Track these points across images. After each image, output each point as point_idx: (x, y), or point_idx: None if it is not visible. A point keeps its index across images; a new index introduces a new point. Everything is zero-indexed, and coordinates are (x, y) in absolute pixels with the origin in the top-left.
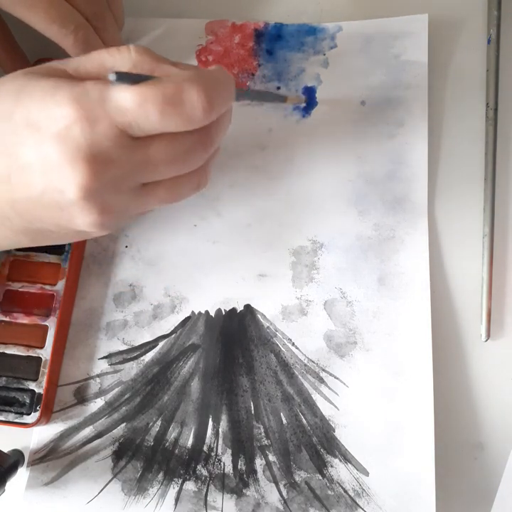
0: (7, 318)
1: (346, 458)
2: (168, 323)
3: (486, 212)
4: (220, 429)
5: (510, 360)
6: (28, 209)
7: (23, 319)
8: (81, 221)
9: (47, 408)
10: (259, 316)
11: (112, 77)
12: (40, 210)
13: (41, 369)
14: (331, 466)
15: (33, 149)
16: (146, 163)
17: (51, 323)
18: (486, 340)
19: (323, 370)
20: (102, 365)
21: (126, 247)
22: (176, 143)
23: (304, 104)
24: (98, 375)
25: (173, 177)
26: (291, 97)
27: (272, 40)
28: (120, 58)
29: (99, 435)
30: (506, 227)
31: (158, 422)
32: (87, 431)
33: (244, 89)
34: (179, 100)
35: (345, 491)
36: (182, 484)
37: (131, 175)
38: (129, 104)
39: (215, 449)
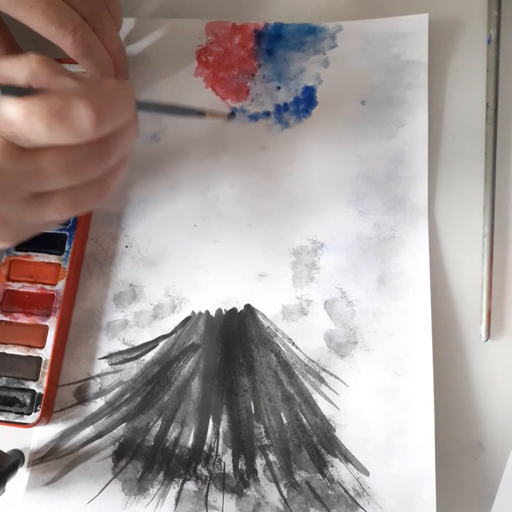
0: (7, 318)
1: (347, 458)
2: (169, 323)
3: (486, 213)
4: (221, 429)
5: (510, 360)
6: None
7: (24, 319)
8: None
9: (47, 408)
10: (259, 316)
11: None
12: None
13: (41, 369)
14: (332, 466)
15: None
16: (36, 173)
17: (51, 323)
18: (486, 340)
19: (324, 369)
20: (103, 365)
21: (127, 247)
22: (68, 154)
23: (227, 119)
24: (98, 375)
25: (69, 187)
26: (212, 111)
27: (272, 40)
28: (18, 68)
29: (99, 435)
30: (506, 227)
31: (159, 422)
32: (88, 431)
33: (149, 102)
34: (65, 114)
35: (346, 491)
36: (182, 484)
37: (20, 185)
38: (15, 116)
39: (215, 449)
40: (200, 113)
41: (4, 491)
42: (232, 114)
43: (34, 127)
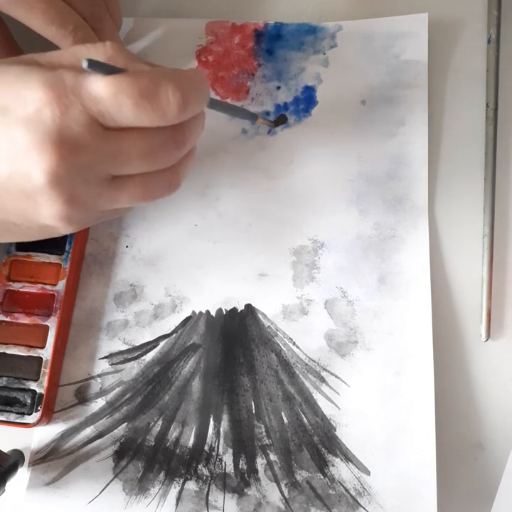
0: (8, 319)
1: (347, 457)
2: (169, 323)
3: (486, 213)
4: (221, 429)
5: (510, 360)
6: None
7: (24, 319)
8: (46, 210)
9: (48, 408)
10: (260, 316)
11: (84, 63)
12: (5, 198)
13: (42, 369)
14: (332, 466)
15: (0, 132)
16: (117, 154)
17: (52, 323)
18: (486, 340)
19: (324, 369)
20: (103, 365)
21: (127, 246)
22: (149, 137)
23: (274, 125)
24: (99, 375)
25: (144, 173)
26: (262, 119)
27: (271, 40)
28: (95, 52)
29: (100, 435)
30: (506, 227)
31: (159, 422)
32: (88, 431)
33: (219, 100)
34: (154, 95)
35: (347, 490)
36: (183, 484)
37: (101, 165)
38: (104, 93)
39: (216, 449)
40: (254, 117)
41: (4, 490)
42: (279, 120)
43: (122, 106)
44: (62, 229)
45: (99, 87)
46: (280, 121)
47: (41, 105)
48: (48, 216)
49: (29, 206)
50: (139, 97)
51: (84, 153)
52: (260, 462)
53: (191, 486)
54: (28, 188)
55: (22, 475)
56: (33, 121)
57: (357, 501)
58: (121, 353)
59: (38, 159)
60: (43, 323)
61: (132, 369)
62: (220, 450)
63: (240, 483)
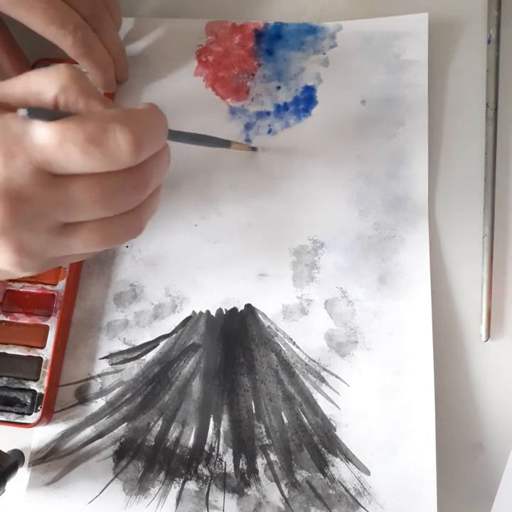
0: (8, 319)
1: (347, 457)
2: (169, 323)
3: (486, 213)
4: (221, 429)
5: (510, 360)
6: None
7: (24, 319)
8: None
9: (48, 408)
10: (260, 316)
11: (22, 112)
12: None
13: (42, 369)
14: (333, 466)
15: None
16: (67, 202)
17: (52, 323)
18: (486, 340)
19: (324, 369)
20: (103, 365)
21: (127, 247)
22: (102, 183)
23: (250, 151)
24: (99, 375)
25: (100, 219)
26: (237, 144)
27: (271, 40)
28: (47, 81)
29: (100, 435)
30: (506, 227)
31: (160, 422)
32: (88, 431)
33: (179, 131)
34: (102, 140)
35: (347, 490)
36: (183, 484)
37: (49, 213)
38: (48, 141)
39: (216, 449)
40: (227, 144)
41: (4, 490)
42: (255, 148)
43: (68, 153)
44: (19, 274)
45: (44, 135)
46: (255, 149)
47: None
48: (1, 263)
49: None
50: (86, 143)
51: (30, 203)
52: (260, 462)
53: (191, 486)
54: None
55: (22, 475)
56: None
57: (357, 501)
58: (121, 353)
59: None
60: (43, 323)
61: (132, 369)
62: (220, 450)
63: (240, 483)
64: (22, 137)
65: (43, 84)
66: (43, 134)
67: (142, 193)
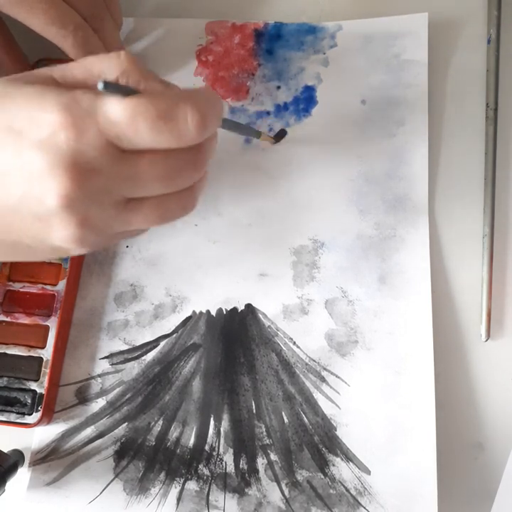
0: (8, 319)
1: (348, 457)
2: (169, 323)
3: (486, 212)
4: (222, 429)
5: (510, 360)
6: (5, 219)
7: (25, 319)
8: (59, 233)
9: (48, 408)
10: (260, 316)
11: (100, 85)
12: (18, 220)
13: (42, 369)
14: (333, 465)
15: (13, 155)
16: (134, 177)
17: (52, 324)
18: (486, 340)
19: (325, 369)
20: (104, 365)
21: (127, 246)
22: (167, 159)
23: (273, 143)
24: (99, 375)
25: (160, 195)
26: (264, 135)
27: (271, 40)
28: (108, 65)
29: (100, 435)
30: (506, 227)
31: (160, 422)
32: (89, 431)
33: (230, 119)
34: (172, 117)
35: (347, 490)
36: (184, 484)
37: (116, 188)
38: (120, 116)
39: (216, 449)
40: (257, 134)
41: (4, 490)
42: (279, 135)
43: (139, 129)
44: (75, 250)
45: (116, 110)
46: (280, 135)
47: (56, 128)
48: (61, 238)
49: (42, 229)
50: (157, 120)
51: (98, 176)
52: (261, 462)
53: (192, 485)
54: (40, 210)
55: (22, 475)
56: (48, 144)
57: (357, 501)
58: (121, 352)
59: (51, 182)
60: (44, 323)
61: (133, 369)
62: (221, 450)
63: (240, 483)
64: (94, 111)
65: (105, 67)
66: (116, 108)
67: (200, 171)
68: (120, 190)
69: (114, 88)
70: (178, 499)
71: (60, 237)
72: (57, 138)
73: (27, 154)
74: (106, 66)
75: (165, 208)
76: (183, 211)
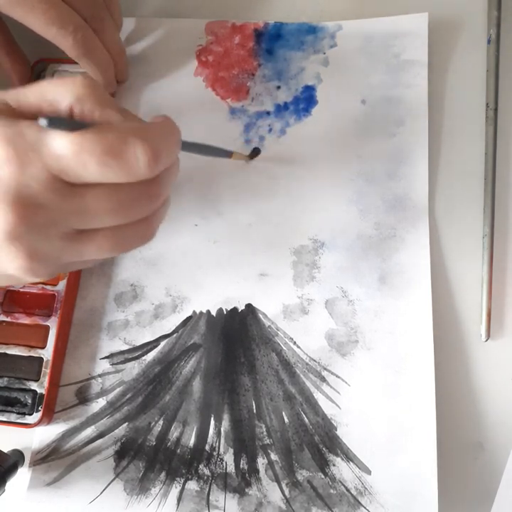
0: (8, 319)
1: (348, 456)
2: (170, 323)
3: (486, 212)
4: (222, 429)
5: (510, 360)
6: None
7: (25, 319)
8: (8, 265)
9: (49, 408)
10: (260, 316)
11: (43, 122)
12: None
13: (43, 369)
14: (333, 465)
15: None
16: (82, 210)
17: (52, 324)
18: (486, 340)
19: (325, 368)
20: (104, 365)
21: None
22: (118, 193)
23: (249, 159)
24: (100, 375)
25: (114, 226)
26: (237, 154)
27: (271, 40)
28: (63, 91)
29: (101, 435)
30: (506, 227)
31: (160, 422)
32: (89, 431)
33: (190, 142)
34: (121, 153)
35: (348, 490)
36: (184, 484)
37: (63, 221)
38: (65, 152)
39: (217, 449)
40: (228, 154)
41: (4, 491)
42: (254, 153)
43: (86, 164)
44: (30, 279)
45: (61, 145)
46: (254, 154)
47: (0, 162)
48: (11, 269)
49: None
50: (104, 155)
51: (44, 210)
52: (261, 462)
53: (192, 485)
54: None
55: (23, 475)
56: None
57: (358, 501)
58: (121, 353)
59: None
60: (44, 324)
61: (133, 369)
62: (221, 450)
63: (240, 483)
64: (38, 145)
65: (59, 93)
66: (61, 143)
67: (155, 203)
68: (68, 223)
69: (58, 123)
70: (179, 499)
71: (11, 268)
72: (1, 172)
73: None
74: (60, 92)
75: (119, 238)
76: (140, 241)
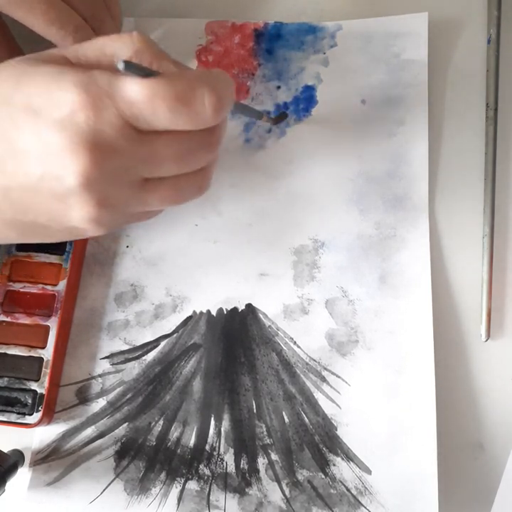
0: (9, 319)
1: (348, 456)
2: (170, 323)
3: (486, 212)
4: (222, 429)
5: (510, 360)
6: (23, 198)
7: (25, 320)
8: (77, 213)
9: (49, 408)
10: (260, 315)
11: (121, 65)
12: (36, 200)
13: (43, 369)
14: (334, 465)
15: (32, 135)
16: (151, 157)
17: (53, 324)
18: (486, 340)
19: (325, 368)
20: (104, 365)
21: (128, 246)
22: (183, 140)
23: (272, 124)
24: (100, 375)
25: (176, 176)
26: (265, 117)
27: (271, 40)
28: (121, 45)
29: (101, 435)
30: (506, 227)
31: (161, 422)
32: (89, 431)
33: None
34: (190, 99)
35: (348, 490)
36: (184, 484)
37: (133, 168)
38: (139, 97)
39: (217, 449)
40: (259, 115)
41: (4, 491)
42: (279, 117)
43: (157, 110)
44: (91, 231)
45: (134, 91)
46: (279, 118)
47: (75, 108)
48: (78, 218)
49: (59, 208)
50: (175, 101)
51: (117, 156)
52: (261, 462)
53: (192, 485)
54: (59, 190)
55: (23, 475)
56: (67, 123)
57: (358, 500)
58: (122, 352)
59: (70, 162)
60: (44, 324)
61: (133, 369)
62: (221, 450)
63: (241, 483)
64: (112, 91)
65: (118, 47)
66: (135, 89)
67: (214, 152)
68: (137, 170)
69: (133, 68)
70: (179, 499)
71: (78, 216)
72: (76, 117)
73: (46, 133)
74: (118, 46)
75: (181, 188)
76: (198, 191)
